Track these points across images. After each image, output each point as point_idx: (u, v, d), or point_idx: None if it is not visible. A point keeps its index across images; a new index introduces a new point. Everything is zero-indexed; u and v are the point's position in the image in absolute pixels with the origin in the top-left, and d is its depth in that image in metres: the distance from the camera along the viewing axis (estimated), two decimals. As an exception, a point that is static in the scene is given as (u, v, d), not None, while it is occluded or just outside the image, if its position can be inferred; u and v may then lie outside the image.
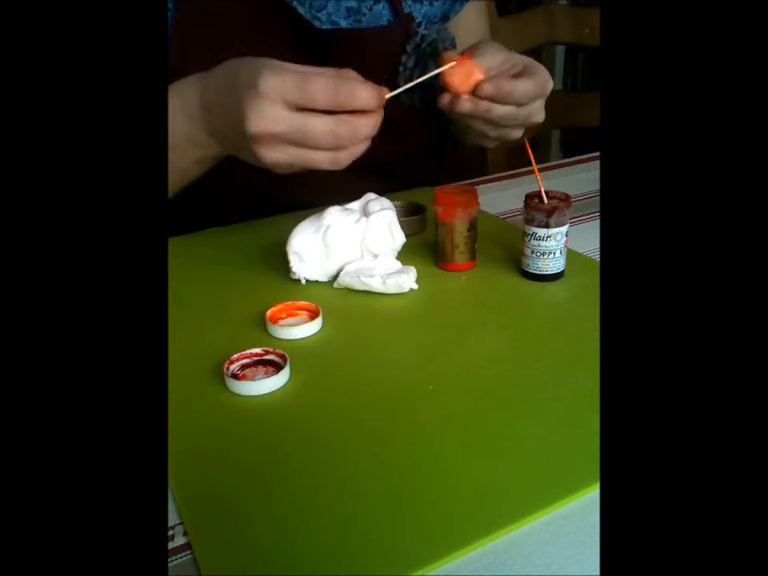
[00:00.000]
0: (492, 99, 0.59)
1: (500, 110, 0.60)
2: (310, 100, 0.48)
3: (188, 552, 0.33)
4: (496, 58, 0.62)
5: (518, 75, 0.61)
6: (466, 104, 0.60)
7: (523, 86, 0.60)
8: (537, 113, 0.64)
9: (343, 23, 0.69)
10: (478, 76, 0.60)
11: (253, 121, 0.48)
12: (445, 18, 0.80)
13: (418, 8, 0.75)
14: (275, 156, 0.51)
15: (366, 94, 0.49)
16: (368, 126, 0.50)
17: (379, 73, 0.72)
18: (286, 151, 0.51)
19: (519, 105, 0.61)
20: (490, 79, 0.59)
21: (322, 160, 0.51)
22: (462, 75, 0.59)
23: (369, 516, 0.33)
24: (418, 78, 0.64)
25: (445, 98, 0.61)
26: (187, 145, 0.58)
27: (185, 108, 0.56)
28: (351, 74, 0.51)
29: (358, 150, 0.52)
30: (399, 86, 0.64)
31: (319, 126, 0.49)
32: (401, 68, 0.73)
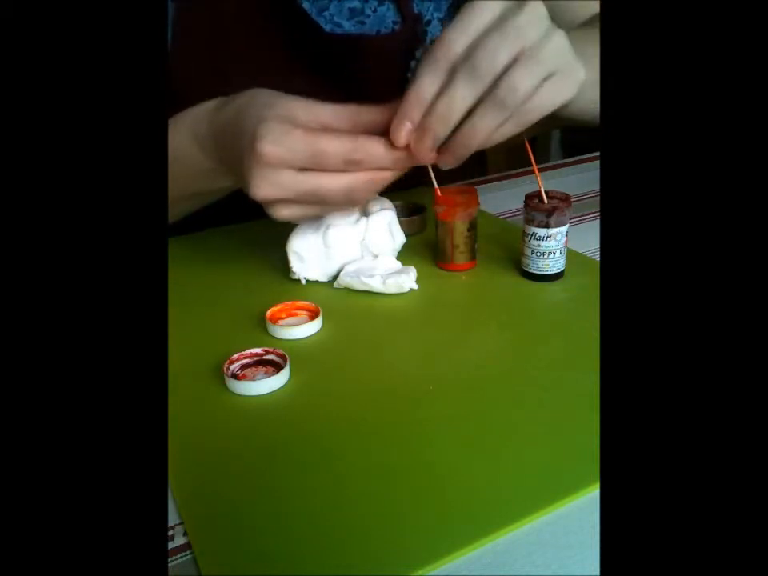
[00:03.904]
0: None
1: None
2: (319, 163, 0.44)
3: (188, 552, 0.33)
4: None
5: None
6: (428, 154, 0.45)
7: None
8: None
9: (346, 25, 0.69)
10: None
11: (258, 188, 0.45)
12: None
13: (426, 5, 0.74)
14: (286, 213, 0.48)
15: (381, 150, 0.44)
16: (383, 152, 0.45)
17: (386, 79, 0.72)
18: (298, 208, 0.48)
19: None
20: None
21: (337, 190, 0.46)
22: None
23: (369, 516, 0.33)
24: None
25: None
26: (201, 174, 0.55)
27: (197, 138, 0.53)
28: (368, 114, 0.46)
29: (377, 177, 0.46)
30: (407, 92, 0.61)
31: (333, 185, 0.45)
32: (409, 74, 0.72)
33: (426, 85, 0.43)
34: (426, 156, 0.45)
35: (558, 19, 0.45)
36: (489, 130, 0.44)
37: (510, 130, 0.44)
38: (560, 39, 0.43)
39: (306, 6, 0.66)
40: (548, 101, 0.44)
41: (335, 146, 0.44)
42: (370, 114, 0.46)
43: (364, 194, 0.47)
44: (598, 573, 0.31)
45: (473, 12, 0.42)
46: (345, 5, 0.68)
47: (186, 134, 0.53)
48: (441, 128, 0.44)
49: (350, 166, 0.45)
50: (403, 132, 0.44)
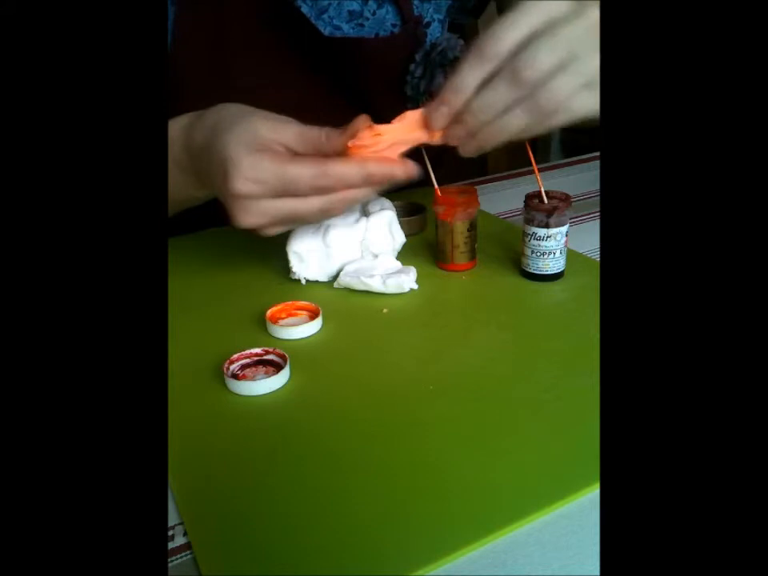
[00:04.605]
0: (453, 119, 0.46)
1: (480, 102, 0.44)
2: (290, 191, 0.46)
3: (188, 552, 0.33)
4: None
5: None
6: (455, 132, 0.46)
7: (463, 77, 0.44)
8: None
9: (345, 27, 0.69)
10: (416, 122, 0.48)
11: (240, 219, 0.47)
12: (462, 8, 0.79)
13: (426, 7, 0.74)
14: (274, 231, 0.50)
15: (351, 172, 0.45)
16: (352, 171, 0.46)
17: (385, 82, 0.72)
18: (284, 227, 0.50)
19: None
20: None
21: (313, 211, 0.48)
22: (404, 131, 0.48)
23: (369, 516, 0.33)
24: (425, 87, 0.63)
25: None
26: (178, 186, 0.54)
27: (171, 154, 0.52)
28: (332, 138, 0.46)
29: (350, 195, 0.47)
30: (407, 95, 0.61)
31: (308, 208, 0.47)
32: (408, 77, 0.72)
33: (470, 76, 0.43)
34: (456, 140, 0.47)
35: None
36: (519, 129, 0.45)
37: (537, 130, 0.45)
38: None
39: (305, 9, 0.66)
40: (579, 110, 0.44)
41: (303, 174, 0.45)
42: (332, 138, 0.46)
43: (341, 210, 0.49)
44: (597, 573, 0.31)
45: (526, 10, 0.42)
46: (344, 7, 0.68)
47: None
48: (475, 122, 0.45)
49: (320, 191, 0.46)
50: (441, 116, 0.45)
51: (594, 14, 0.42)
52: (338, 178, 0.45)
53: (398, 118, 0.48)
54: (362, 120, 0.46)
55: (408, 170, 0.47)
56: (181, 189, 0.55)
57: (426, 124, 0.47)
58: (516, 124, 0.44)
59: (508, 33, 0.42)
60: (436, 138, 0.48)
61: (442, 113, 0.45)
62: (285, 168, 0.45)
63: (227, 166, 0.45)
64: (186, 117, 0.53)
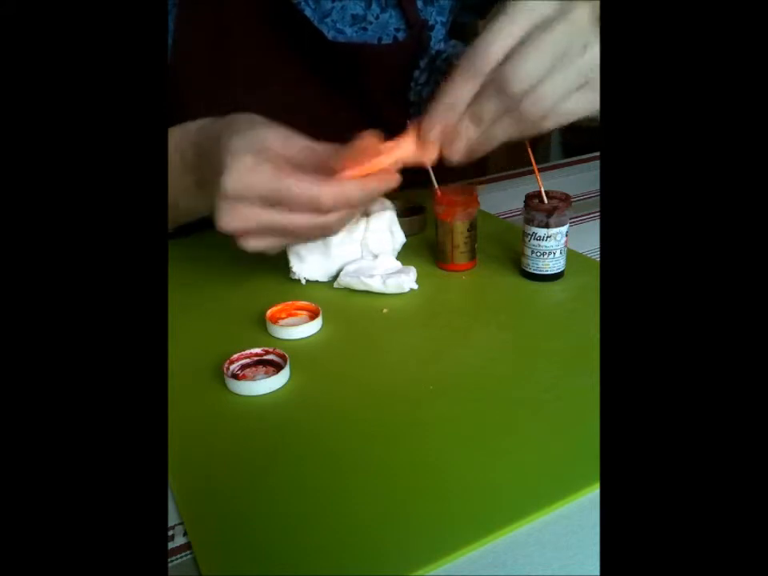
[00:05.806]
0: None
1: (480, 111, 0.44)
2: (285, 203, 0.44)
3: (188, 552, 0.33)
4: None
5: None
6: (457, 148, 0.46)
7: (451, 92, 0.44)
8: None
9: (348, 31, 0.69)
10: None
11: (221, 220, 0.45)
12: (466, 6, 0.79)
13: (430, 10, 0.73)
14: (253, 245, 0.47)
15: (353, 192, 0.44)
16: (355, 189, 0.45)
17: (388, 87, 0.72)
18: (267, 240, 0.47)
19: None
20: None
21: (308, 227, 0.46)
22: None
23: (369, 516, 0.33)
24: (428, 93, 0.62)
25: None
26: (184, 190, 0.53)
27: (182, 155, 0.52)
28: (340, 157, 0.45)
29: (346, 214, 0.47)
30: (410, 101, 0.61)
31: (303, 223, 0.45)
32: (412, 83, 0.72)
33: (463, 90, 0.43)
34: (456, 156, 0.47)
35: None
36: (509, 136, 0.45)
37: (530, 133, 0.45)
38: (597, 51, 0.42)
39: (308, 12, 0.66)
40: (573, 111, 0.44)
41: (302, 189, 0.43)
42: (341, 157, 0.45)
43: (338, 229, 0.47)
44: (597, 573, 0.31)
45: (513, 17, 0.42)
46: (347, 11, 0.68)
47: (173, 148, 0.52)
48: (470, 133, 0.45)
49: (317, 209, 0.44)
50: (435, 133, 0.45)
51: (581, 12, 0.41)
52: (339, 198, 0.44)
53: (394, 141, 0.47)
54: (369, 140, 0.46)
55: (391, 179, 0.47)
56: (182, 192, 0.53)
57: (419, 140, 0.47)
58: (505, 132, 0.44)
59: (496, 43, 0.42)
60: (429, 158, 0.48)
61: (436, 129, 0.45)
62: (283, 180, 0.43)
63: (227, 161, 0.44)
64: (196, 124, 0.52)
